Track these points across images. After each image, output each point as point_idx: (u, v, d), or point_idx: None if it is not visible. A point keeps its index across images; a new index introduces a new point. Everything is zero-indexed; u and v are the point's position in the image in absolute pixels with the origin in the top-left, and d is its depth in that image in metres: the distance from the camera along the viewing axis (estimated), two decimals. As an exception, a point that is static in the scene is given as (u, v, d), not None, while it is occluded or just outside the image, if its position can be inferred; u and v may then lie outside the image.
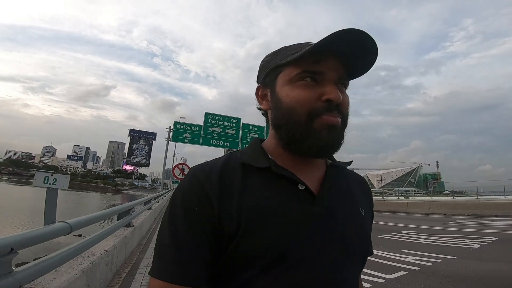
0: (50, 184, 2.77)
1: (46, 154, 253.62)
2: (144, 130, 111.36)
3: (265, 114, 0.62)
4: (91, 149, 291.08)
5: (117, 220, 4.40)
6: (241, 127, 19.68)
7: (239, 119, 19.85)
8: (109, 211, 4.22)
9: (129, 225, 4.79)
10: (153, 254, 0.51)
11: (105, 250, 3.11)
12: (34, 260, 1.92)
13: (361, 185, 0.66)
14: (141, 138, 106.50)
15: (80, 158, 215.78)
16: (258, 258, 0.47)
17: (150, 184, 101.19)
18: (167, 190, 23.07)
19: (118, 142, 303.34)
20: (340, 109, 0.53)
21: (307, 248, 0.49)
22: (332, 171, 0.59)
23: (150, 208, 8.58)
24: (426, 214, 14.25)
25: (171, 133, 19.39)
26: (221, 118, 19.43)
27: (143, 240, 5.98)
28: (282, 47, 0.59)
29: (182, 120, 21.01)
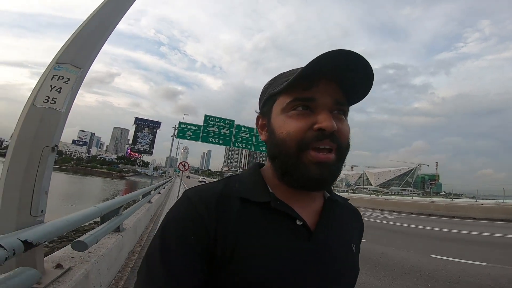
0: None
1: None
2: (149, 119, 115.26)
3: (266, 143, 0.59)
4: (95, 135, 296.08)
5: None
6: (234, 128, 22.94)
7: (233, 121, 23.11)
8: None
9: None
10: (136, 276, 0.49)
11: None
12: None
13: (355, 218, 0.67)
14: (146, 127, 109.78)
15: (85, 144, 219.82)
16: None
17: (153, 171, 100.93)
18: (170, 178, 26.68)
19: (122, 128, 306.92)
20: (335, 138, 0.51)
21: (298, 284, 0.49)
22: (330, 205, 0.59)
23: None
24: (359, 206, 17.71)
25: (175, 131, 22.91)
26: (218, 120, 22.71)
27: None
28: (279, 74, 0.58)
29: (186, 118, 24.40)
